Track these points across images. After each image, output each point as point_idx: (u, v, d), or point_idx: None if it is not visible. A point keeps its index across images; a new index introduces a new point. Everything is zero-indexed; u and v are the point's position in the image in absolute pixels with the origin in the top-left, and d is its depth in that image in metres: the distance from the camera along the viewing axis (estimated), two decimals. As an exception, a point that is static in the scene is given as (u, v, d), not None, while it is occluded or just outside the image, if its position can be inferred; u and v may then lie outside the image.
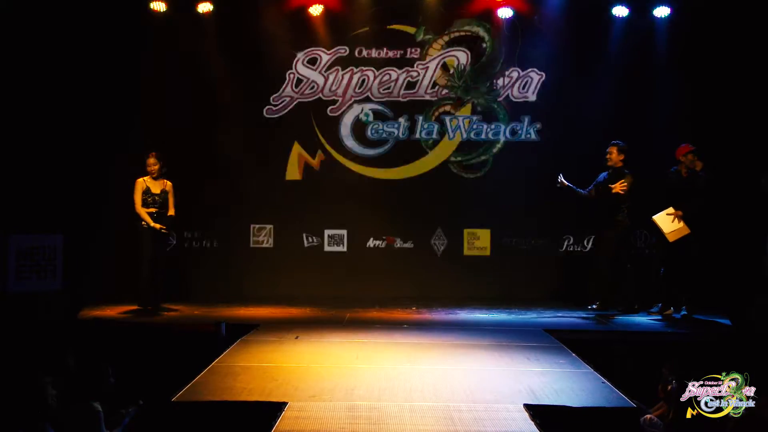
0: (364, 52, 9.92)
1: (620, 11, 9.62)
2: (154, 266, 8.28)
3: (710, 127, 9.09)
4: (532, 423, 4.54)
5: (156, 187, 8.33)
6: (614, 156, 8.43)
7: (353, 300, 9.25)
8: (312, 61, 9.93)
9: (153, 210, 8.25)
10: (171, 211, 8.41)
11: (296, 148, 9.99)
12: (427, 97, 9.96)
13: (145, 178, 8.33)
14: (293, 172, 10.00)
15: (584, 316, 8.40)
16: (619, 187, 8.24)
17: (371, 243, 9.98)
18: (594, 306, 8.52)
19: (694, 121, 9.19)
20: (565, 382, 5.47)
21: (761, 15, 8.99)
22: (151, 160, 8.32)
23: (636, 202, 8.83)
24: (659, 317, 8.33)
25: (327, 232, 10.00)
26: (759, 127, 8.92)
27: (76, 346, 5.44)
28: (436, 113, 9.99)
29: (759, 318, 7.18)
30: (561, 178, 8.52)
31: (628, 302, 8.47)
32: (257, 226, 9.99)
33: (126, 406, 4.51)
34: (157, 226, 8.22)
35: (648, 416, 4.45)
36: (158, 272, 8.33)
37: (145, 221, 8.20)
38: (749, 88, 9.13)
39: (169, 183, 8.43)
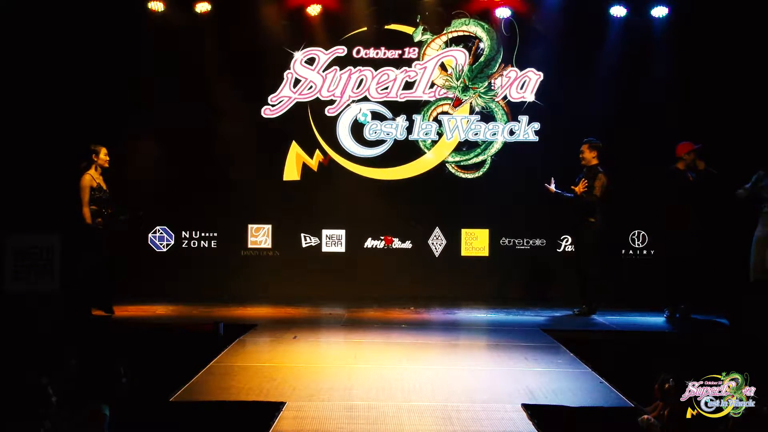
0: (362, 52, 9.91)
1: (618, 11, 9.64)
2: (104, 267, 7.99)
3: (708, 126, 9.08)
4: (530, 423, 4.54)
5: (105, 183, 7.97)
6: (586, 154, 8.27)
7: (351, 300, 9.26)
8: (310, 61, 9.92)
9: (110, 210, 7.89)
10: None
11: (294, 149, 9.98)
12: (425, 97, 9.95)
13: (91, 173, 7.90)
14: (291, 173, 9.99)
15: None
16: (581, 186, 8.07)
17: (369, 243, 9.98)
18: (577, 310, 8.39)
19: (692, 120, 9.20)
20: (563, 382, 5.47)
21: (760, 14, 9.00)
22: (106, 150, 7.95)
23: (635, 202, 8.83)
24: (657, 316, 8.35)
25: (325, 233, 9.99)
26: (757, 126, 8.92)
27: (76, 345, 5.43)
28: (434, 113, 9.98)
29: (754, 317, 7.18)
30: (551, 186, 8.39)
31: (590, 304, 8.33)
32: (255, 226, 9.98)
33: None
34: (100, 220, 7.88)
35: (646, 416, 4.44)
36: (106, 273, 8.03)
37: (93, 221, 7.78)
38: (748, 88, 9.14)
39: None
